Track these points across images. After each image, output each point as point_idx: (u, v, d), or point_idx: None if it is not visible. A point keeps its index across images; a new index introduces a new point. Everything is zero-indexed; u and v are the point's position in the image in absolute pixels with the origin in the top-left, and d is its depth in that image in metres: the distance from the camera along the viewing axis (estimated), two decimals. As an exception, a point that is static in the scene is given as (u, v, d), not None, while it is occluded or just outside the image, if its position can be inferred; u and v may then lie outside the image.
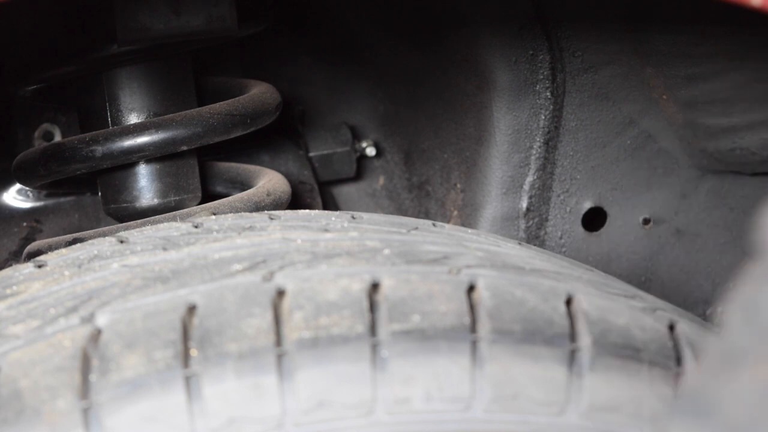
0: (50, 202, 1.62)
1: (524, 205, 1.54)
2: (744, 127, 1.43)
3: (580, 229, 1.57)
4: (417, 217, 1.72)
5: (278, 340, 0.83)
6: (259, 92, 1.44)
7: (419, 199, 1.73)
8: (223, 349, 0.82)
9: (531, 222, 1.55)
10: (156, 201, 1.40)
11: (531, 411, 0.85)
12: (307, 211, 1.09)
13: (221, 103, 1.38)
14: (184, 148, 1.35)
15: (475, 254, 0.96)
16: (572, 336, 0.88)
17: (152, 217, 1.34)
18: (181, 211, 1.36)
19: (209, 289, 0.87)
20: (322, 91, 1.79)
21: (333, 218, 1.05)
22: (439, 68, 1.58)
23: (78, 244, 1.03)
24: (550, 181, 1.53)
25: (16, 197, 1.61)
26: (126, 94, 1.38)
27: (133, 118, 1.38)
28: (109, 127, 1.38)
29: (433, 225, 1.08)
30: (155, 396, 0.80)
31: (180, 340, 0.83)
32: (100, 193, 1.43)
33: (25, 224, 1.61)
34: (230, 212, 1.32)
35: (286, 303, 0.85)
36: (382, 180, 1.81)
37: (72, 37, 1.36)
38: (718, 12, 1.13)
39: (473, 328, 0.86)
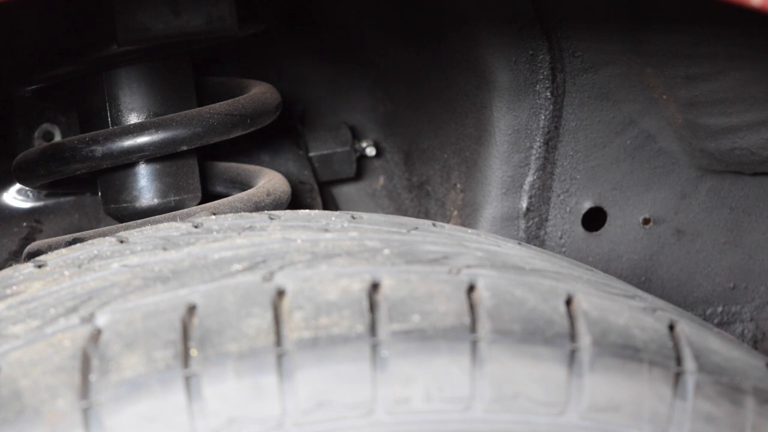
0: (50, 202, 1.62)
1: (524, 205, 1.54)
2: (744, 127, 1.43)
3: (580, 229, 1.57)
4: (417, 217, 1.72)
5: (278, 340, 0.83)
6: (259, 92, 1.44)
7: (419, 199, 1.73)
8: (223, 349, 0.82)
9: (531, 222, 1.55)
10: (156, 201, 1.40)
11: (531, 411, 0.85)
12: (307, 211, 1.09)
13: (221, 103, 1.38)
14: (184, 148, 1.35)
15: (475, 254, 0.96)
16: (572, 336, 0.88)
17: (152, 217, 1.34)
18: (181, 211, 1.36)
19: (209, 289, 0.87)
20: (322, 91, 1.79)
21: (333, 218, 1.05)
22: (439, 68, 1.58)
23: (78, 244, 1.03)
24: (550, 181, 1.53)
25: (16, 197, 1.61)
26: (126, 94, 1.39)
27: (133, 118, 1.38)
28: (109, 127, 1.38)
29: (433, 225, 1.08)
30: (155, 396, 0.80)
31: (180, 340, 0.83)
32: (100, 193, 1.43)
33: (25, 224, 1.61)
34: (230, 212, 1.32)
35: (286, 303, 0.85)
36: (382, 180, 1.81)
37: (72, 37, 1.36)
38: (718, 12, 1.13)
39: (473, 328, 0.86)
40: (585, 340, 0.88)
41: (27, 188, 1.60)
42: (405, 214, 1.76)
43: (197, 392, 0.81)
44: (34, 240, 1.59)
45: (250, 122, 1.39)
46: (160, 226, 1.05)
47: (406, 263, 0.91)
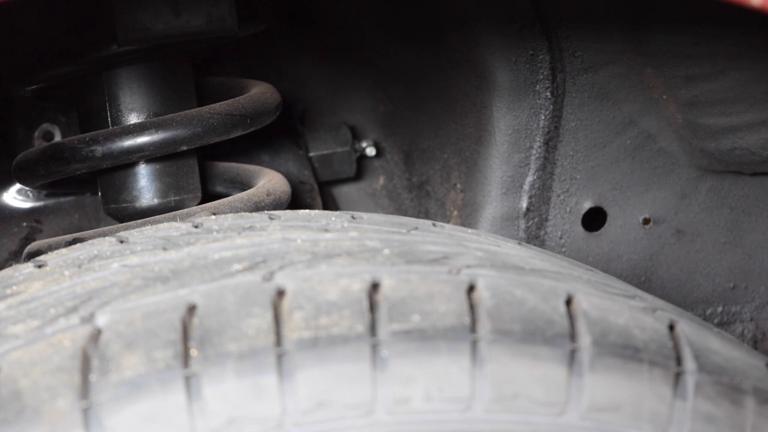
0: (50, 202, 1.62)
1: (524, 205, 1.54)
2: (744, 127, 1.43)
3: (580, 229, 1.57)
4: (417, 217, 1.72)
5: (278, 340, 0.83)
6: (259, 92, 1.44)
7: (419, 199, 1.73)
8: (223, 349, 0.82)
9: (531, 222, 1.55)
10: (156, 201, 1.40)
11: (531, 411, 0.85)
12: (307, 211, 1.09)
13: (221, 103, 1.38)
14: (184, 148, 1.35)
15: (475, 254, 0.96)
16: (572, 336, 0.88)
17: (152, 217, 1.34)
18: (181, 211, 1.36)
19: (209, 289, 0.87)
20: (322, 91, 1.79)
21: (333, 218, 1.05)
22: (439, 68, 1.58)
23: (78, 244, 1.03)
24: (550, 181, 1.53)
25: (16, 197, 1.61)
26: (126, 94, 1.39)
27: (133, 118, 1.38)
28: (109, 127, 1.38)
29: (433, 225, 1.08)
30: (155, 396, 0.80)
31: (180, 340, 0.83)
32: (100, 193, 1.43)
33: (25, 224, 1.61)
34: (230, 212, 1.32)
35: (286, 303, 0.85)
36: (382, 180, 1.81)
37: (72, 37, 1.36)
38: (718, 12, 1.13)
39: (473, 328, 0.86)
40: (585, 340, 0.88)
41: (27, 188, 1.60)
42: (405, 214, 1.76)
43: (197, 392, 0.81)
44: (34, 240, 1.59)
45: (250, 122, 1.39)
46: (160, 226, 1.05)
47: (406, 263, 0.91)
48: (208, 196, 1.48)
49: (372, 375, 0.83)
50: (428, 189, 1.71)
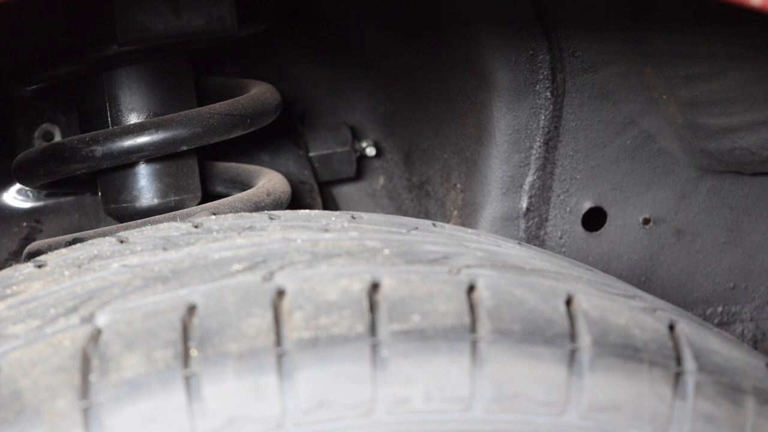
0: (50, 202, 1.62)
1: (524, 205, 1.54)
2: (744, 127, 1.43)
3: (580, 229, 1.57)
4: (417, 217, 1.72)
5: (278, 340, 0.83)
6: (259, 92, 1.44)
7: (419, 199, 1.73)
8: (223, 349, 0.82)
9: (531, 222, 1.55)
10: (156, 201, 1.40)
11: (531, 411, 0.85)
12: (307, 211, 1.09)
13: (221, 103, 1.38)
14: (184, 148, 1.35)
15: (475, 254, 0.96)
16: (572, 336, 0.88)
17: (152, 217, 1.34)
18: (181, 211, 1.36)
19: (209, 289, 0.87)
20: (322, 91, 1.79)
21: (333, 218, 1.05)
22: (439, 68, 1.58)
23: (78, 244, 1.03)
24: (550, 181, 1.53)
25: (16, 197, 1.61)
26: (126, 94, 1.39)
27: (133, 118, 1.38)
28: (109, 127, 1.38)
29: (433, 225, 1.08)
30: (155, 396, 0.80)
31: (180, 340, 0.83)
32: (100, 193, 1.43)
33: (25, 224, 1.61)
34: (230, 212, 1.32)
35: (286, 303, 0.85)
36: (382, 180, 1.81)
37: (72, 37, 1.36)
38: (718, 12, 1.13)
39: (473, 328, 0.86)
40: (585, 340, 0.88)
41: (27, 188, 1.60)
42: (405, 214, 1.76)
43: (197, 392, 0.81)
44: (34, 240, 1.59)
45: (250, 122, 1.39)
46: (160, 226, 1.05)
47: (406, 263, 0.91)
48: (208, 196, 1.48)
49: (372, 375, 0.83)
50: (428, 189, 1.71)
